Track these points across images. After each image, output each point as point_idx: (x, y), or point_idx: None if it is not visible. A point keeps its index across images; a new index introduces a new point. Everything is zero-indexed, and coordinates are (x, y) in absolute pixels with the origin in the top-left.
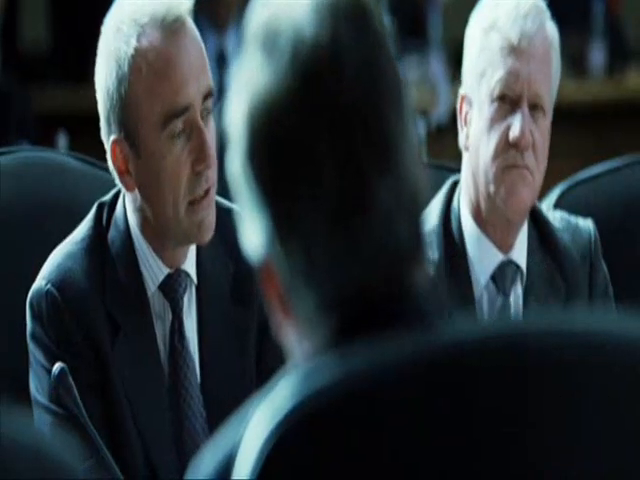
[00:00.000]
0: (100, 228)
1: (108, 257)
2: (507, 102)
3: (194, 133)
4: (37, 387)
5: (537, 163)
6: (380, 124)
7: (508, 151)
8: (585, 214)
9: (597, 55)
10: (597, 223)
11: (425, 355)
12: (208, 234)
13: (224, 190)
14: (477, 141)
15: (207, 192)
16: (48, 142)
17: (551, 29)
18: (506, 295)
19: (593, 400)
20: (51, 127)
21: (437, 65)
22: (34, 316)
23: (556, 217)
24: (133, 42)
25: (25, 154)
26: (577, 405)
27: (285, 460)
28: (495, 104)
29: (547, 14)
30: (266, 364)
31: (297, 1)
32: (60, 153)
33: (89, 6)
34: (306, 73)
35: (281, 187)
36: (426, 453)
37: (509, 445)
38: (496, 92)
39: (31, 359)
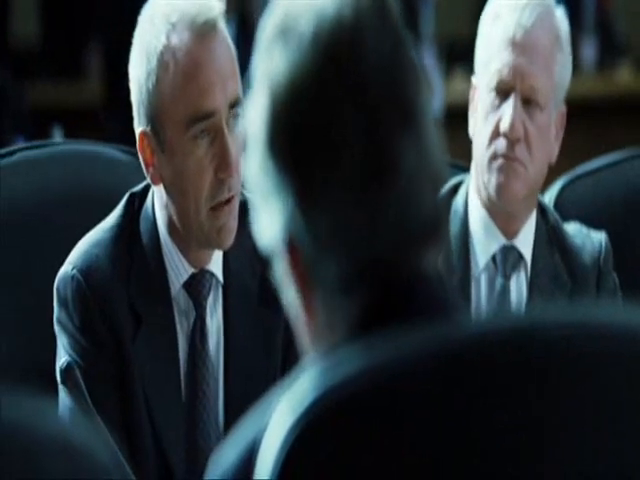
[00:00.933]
0: (130, 218)
1: (136, 248)
2: (502, 93)
3: (217, 139)
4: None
5: (531, 157)
6: (402, 95)
7: (499, 141)
8: (585, 208)
9: (588, 51)
10: (597, 217)
11: (447, 347)
12: (228, 240)
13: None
14: (477, 129)
15: (230, 200)
16: (43, 137)
17: (555, 23)
18: (506, 278)
19: (615, 391)
20: (44, 122)
21: (429, 60)
22: (60, 301)
23: (569, 225)
24: (163, 38)
25: (63, 146)
26: (598, 397)
27: (308, 451)
28: (492, 94)
29: (550, 8)
30: (291, 366)
31: None
32: (107, 146)
33: (80, 1)
34: (328, 49)
35: (304, 161)
36: (447, 445)
37: (530, 438)
38: (493, 82)
39: (58, 343)
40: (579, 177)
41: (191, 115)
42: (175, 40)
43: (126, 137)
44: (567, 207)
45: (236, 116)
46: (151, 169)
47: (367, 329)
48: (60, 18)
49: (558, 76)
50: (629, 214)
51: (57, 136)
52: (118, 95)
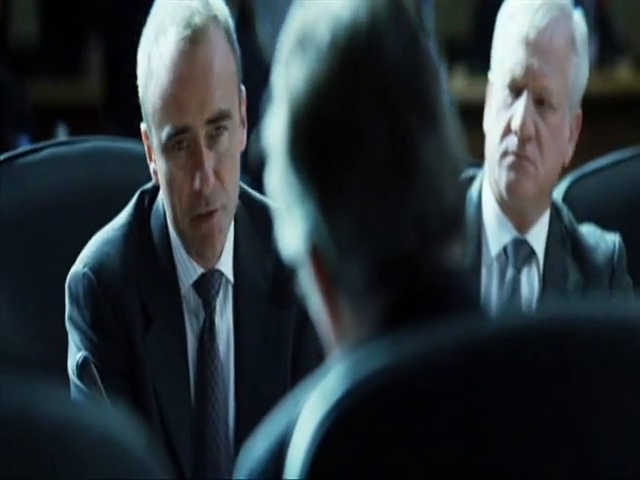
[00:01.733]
0: (140, 216)
1: (146, 246)
2: (514, 91)
3: (194, 153)
4: (73, 368)
5: (542, 156)
6: (422, 94)
7: (510, 138)
8: (592, 206)
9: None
10: (603, 215)
11: (473, 342)
12: (211, 251)
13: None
14: (490, 125)
15: (211, 213)
16: (46, 135)
17: (571, 25)
18: (517, 270)
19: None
20: (44, 121)
21: None
22: (71, 298)
23: (583, 226)
24: (153, 46)
25: (92, 143)
26: (630, 393)
27: (338, 444)
28: (505, 91)
29: (566, 11)
30: (302, 366)
31: (332, 1)
32: (130, 142)
33: (77, 1)
34: (346, 51)
35: (325, 166)
36: (472, 440)
37: (559, 433)
38: (506, 80)
39: (69, 340)
40: (586, 175)
41: (169, 127)
42: (161, 50)
43: (126, 135)
44: (574, 205)
45: (220, 129)
46: (152, 164)
47: (392, 326)
48: (59, 16)
49: (573, 78)
50: (634, 212)
51: (61, 134)
52: (118, 93)
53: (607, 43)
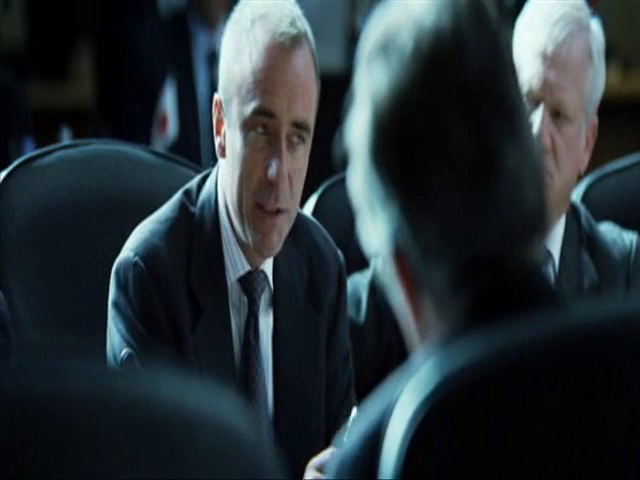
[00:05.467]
0: (186, 212)
1: (194, 240)
2: (532, 102)
3: (274, 142)
4: (113, 353)
5: (558, 168)
6: (504, 94)
7: None
8: (612, 206)
9: None
10: (624, 215)
11: (565, 331)
12: (267, 248)
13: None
14: None
15: (276, 212)
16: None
17: (588, 38)
18: None
19: None
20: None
21: None
22: (119, 285)
23: (602, 225)
24: (248, 25)
25: (99, 146)
26: None
27: (433, 432)
28: None
29: (583, 23)
30: (331, 367)
31: (415, 3)
32: (136, 146)
33: (66, 5)
34: (430, 58)
35: (411, 171)
36: (565, 427)
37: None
38: (523, 90)
39: (110, 326)
40: (606, 175)
41: (257, 104)
42: (257, 34)
43: (118, 139)
44: (593, 205)
45: (300, 138)
46: (219, 138)
47: (476, 322)
48: (48, 21)
49: (589, 90)
50: None
51: (65, 137)
52: (109, 97)
53: None
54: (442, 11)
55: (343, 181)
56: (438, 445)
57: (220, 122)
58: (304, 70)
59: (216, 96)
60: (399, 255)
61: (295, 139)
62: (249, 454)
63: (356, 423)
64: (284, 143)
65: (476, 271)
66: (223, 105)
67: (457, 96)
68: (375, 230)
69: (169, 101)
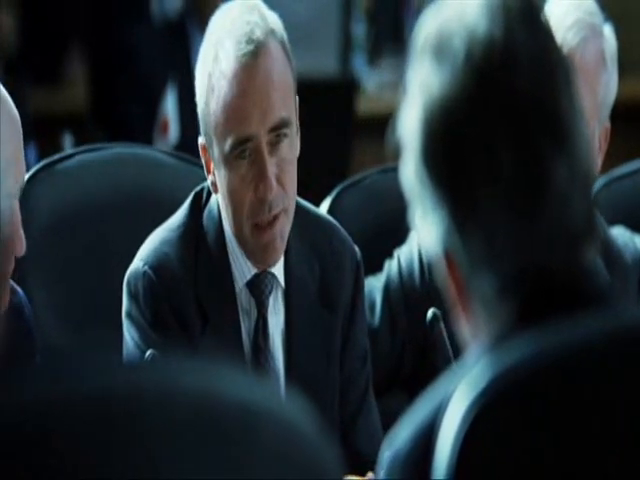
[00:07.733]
0: (196, 217)
1: (202, 246)
2: None
3: (256, 161)
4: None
5: None
6: (554, 109)
7: None
8: (621, 210)
9: None
10: (633, 219)
11: (614, 334)
12: (273, 258)
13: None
14: None
15: (274, 220)
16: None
17: (601, 43)
18: None
19: None
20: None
21: None
22: (130, 295)
23: (614, 229)
24: (212, 61)
25: (119, 149)
26: None
27: (486, 428)
28: None
29: (596, 28)
30: (347, 367)
31: (467, 6)
32: (154, 149)
33: (57, 9)
34: (481, 69)
35: (459, 180)
36: (617, 428)
37: None
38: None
39: (125, 336)
40: (615, 179)
41: (233, 138)
42: (222, 65)
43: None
44: (605, 207)
45: (281, 136)
46: (210, 176)
47: (526, 324)
48: (37, 27)
49: (602, 94)
50: None
51: (68, 142)
52: (104, 101)
53: None
54: (494, 19)
55: (355, 184)
56: (491, 442)
57: (208, 161)
58: (275, 68)
59: (200, 140)
60: (449, 258)
61: (275, 140)
62: (311, 450)
63: (407, 421)
64: (266, 157)
65: (523, 281)
66: (207, 147)
67: (506, 110)
68: (427, 227)
69: (170, 105)
